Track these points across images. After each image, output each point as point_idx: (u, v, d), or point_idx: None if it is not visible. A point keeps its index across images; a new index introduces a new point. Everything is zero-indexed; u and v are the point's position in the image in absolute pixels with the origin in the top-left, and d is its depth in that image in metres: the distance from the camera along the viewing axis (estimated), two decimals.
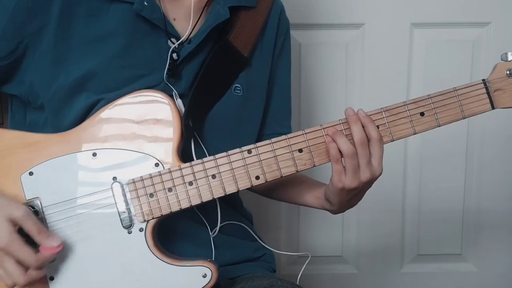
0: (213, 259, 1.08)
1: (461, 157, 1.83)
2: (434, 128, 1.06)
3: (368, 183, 1.05)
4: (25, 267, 0.94)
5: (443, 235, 1.90)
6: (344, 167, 1.02)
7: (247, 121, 1.18)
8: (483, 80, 1.07)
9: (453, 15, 1.75)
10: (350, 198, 1.07)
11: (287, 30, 1.28)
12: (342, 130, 1.04)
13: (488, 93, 1.07)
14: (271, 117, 1.26)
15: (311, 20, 1.71)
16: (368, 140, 1.03)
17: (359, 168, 1.02)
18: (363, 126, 1.03)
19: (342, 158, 1.02)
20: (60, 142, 1.03)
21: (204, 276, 1.01)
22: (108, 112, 1.03)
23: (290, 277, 1.22)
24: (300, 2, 1.65)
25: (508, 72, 1.07)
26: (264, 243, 1.24)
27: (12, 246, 0.93)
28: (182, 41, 1.10)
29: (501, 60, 1.08)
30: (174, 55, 1.08)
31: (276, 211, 1.86)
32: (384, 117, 1.05)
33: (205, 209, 1.10)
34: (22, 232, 0.95)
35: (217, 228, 1.12)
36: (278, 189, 1.27)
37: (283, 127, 1.27)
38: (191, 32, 1.11)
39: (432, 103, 1.05)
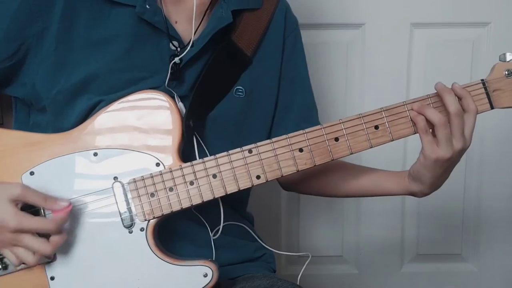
0: (213, 259, 1.08)
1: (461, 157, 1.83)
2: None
3: (460, 153, 1.06)
4: (45, 234, 0.95)
5: (443, 235, 1.90)
6: (435, 138, 1.04)
7: (250, 123, 1.17)
8: (482, 80, 1.08)
9: (453, 15, 1.75)
10: (443, 171, 1.08)
11: (296, 27, 1.26)
12: (430, 104, 1.05)
13: (487, 93, 1.07)
14: (298, 115, 1.24)
15: (312, 20, 1.71)
16: (464, 111, 1.05)
17: (452, 137, 1.03)
18: (460, 98, 1.04)
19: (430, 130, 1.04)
20: (61, 142, 1.03)
21: (205, 275, 1.01)
22: (109, 112, 1.03)
23: (290, 277, 1.22)
24: (300, 2, 1.65)
25: (506, 73, 1.07)
26: (264, 243, 1.24)
27: (23, 222, 0.93)
28: (184, 44, 1.10)
29: (499, 60, 1.09)
30: (177, 60, 1.08)
31: (276, 211, 1.86)
32: (384, 117, 1.05)
33: (206, 210, 1.09)
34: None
35: (220, 229, 1.12)
36: (329, 178, 1.25)
37: (312, 124, 1.17)
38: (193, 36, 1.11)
39: (432, 103, 1.06)
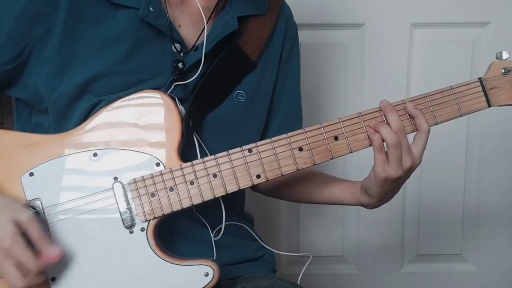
0: (214, 259, 1.08)
1: (461, 156, 1.84)
2: (431, 126, 1.07)
3: (409, 171, 1.06)
4: (25, 271, 0.94)
5: (443, 235, 1.90)
6: (387, 157, 1.04)
7: (249, 127, 1.18)
8: (479, 78, 1.08)
9: (453, 15, 1.76)
10: (391, 188, 1.08)
11: (295, 34, 1.27)
12: (383, 121, 1.05)
13: (484, 91, 1.08)
14: (281, 122, 1.25)
15: (311, 20, 1.71)
16: (417, 130, 1.05)
17: (402, 157, 1.03)
18: (412, 117, 1.05)
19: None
20: (60, 142, 1.03)
21: (206, 275, 1.01)
22: (108, 112, 1.03)
23: (290, 277, 1.22)
24: (300, 2, 1.66)
25: (503, 71, 1.08)
26: (265, 243, 1.24)
27: (14, 248, 0.92)
28: (187, 48, 1.10)
29: (496, 59, 1.09)
30: (180, 64, 1.08)
31: (276, 211, 1.86)
32: (383, 115, 1.05)
33: (206, 210, 1.09)
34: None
35: (222, 228, 1.12)
36: (298, 188, 1.26)
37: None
38: (197, 40, 1.11)
39: (430, 101, 1.06)
